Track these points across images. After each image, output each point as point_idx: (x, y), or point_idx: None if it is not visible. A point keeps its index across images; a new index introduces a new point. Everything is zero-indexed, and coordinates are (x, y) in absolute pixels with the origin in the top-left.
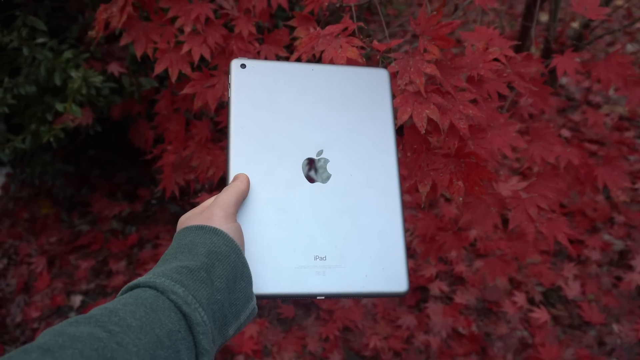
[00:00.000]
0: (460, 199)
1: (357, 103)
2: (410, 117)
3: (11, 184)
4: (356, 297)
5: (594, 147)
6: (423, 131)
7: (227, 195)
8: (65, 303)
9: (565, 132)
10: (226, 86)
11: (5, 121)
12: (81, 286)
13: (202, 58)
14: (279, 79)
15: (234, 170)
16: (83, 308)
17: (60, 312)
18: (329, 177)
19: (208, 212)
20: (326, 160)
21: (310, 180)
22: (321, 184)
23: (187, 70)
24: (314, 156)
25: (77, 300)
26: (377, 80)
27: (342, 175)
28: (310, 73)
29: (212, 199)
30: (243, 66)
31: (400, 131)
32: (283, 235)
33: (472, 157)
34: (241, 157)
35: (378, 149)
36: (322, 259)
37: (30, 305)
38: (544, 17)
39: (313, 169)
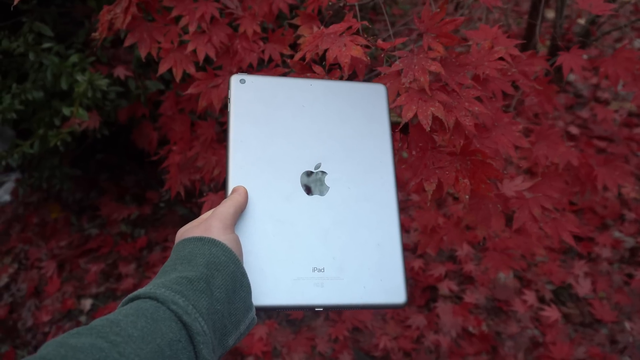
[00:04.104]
0: (467, 196)
1: (354, 117)
2: (415, 115)
3: (20, 189)
4: (355, 309)
5: (602, 144)
6: (428, 129)
7: (225, 208)
8: (75, 307)
9: (574, 129)
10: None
11: (14, 127)
12: (91, 290)
13: (205, 58)
14: (278, 93)
15: (232, 183)
16: (93, 311)
17: (70, 315)
18: (326, 189)
19: (206, 224)
20: (324, 173)
21: (308, 192)
22: (319, 196)
23: (192, 70)
24: (312, 169)
25: (87, 303)
26: (374, 95)
27: (340, 188)
28: (308, 88)
29: (211, 211)
30: (242, 81)
31: (405, 129)
32: (281, 247)
33: (477, 155)
34: (240, 170)
35: (375, 162)
36: (320, 270)
37: (41, 310)
38: (550, 14)
39: (311, 181)
